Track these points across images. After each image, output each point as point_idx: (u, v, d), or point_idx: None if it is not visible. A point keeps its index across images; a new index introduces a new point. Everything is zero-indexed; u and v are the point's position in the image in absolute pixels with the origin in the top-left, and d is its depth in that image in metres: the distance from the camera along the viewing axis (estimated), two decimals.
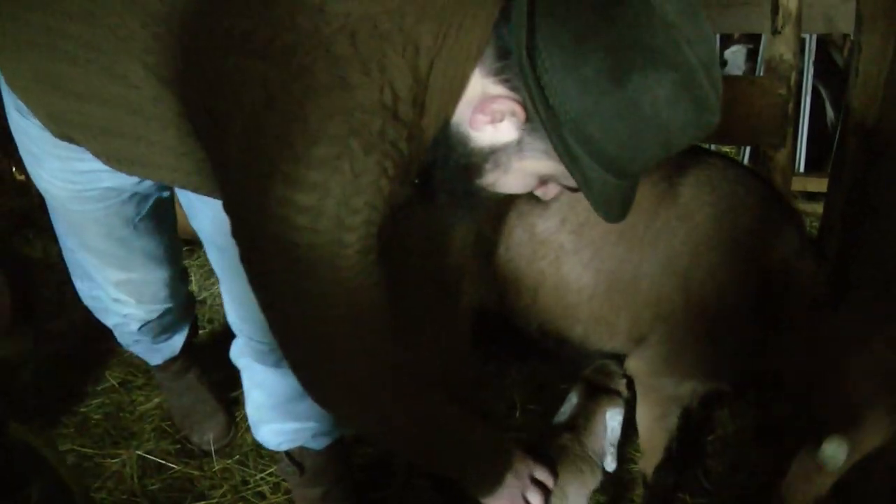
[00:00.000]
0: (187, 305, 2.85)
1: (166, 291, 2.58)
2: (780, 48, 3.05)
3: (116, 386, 3.36)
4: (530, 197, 2.33)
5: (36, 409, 3.24)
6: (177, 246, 2.56)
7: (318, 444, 2.56)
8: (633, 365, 2.41)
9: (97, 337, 2.93)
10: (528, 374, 3.27)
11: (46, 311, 3.79)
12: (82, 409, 3.27)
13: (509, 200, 2.35)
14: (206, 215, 2.13)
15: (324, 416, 2.48)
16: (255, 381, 2.48)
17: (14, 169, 4.14)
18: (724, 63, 4.59)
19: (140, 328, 2.65)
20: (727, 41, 4.78)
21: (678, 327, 2.29)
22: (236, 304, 2.31)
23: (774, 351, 2.26)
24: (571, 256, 2.34)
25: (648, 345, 2.36)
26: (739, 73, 4.48)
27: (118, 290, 2.48)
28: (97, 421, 3.22)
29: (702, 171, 2.32)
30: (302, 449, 2.57)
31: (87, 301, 2.61)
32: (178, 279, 2.65)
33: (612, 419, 2.29)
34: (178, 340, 2.90)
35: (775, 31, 3.04)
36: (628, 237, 2.30)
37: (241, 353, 2.45)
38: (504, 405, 3.15)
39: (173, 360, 2.97)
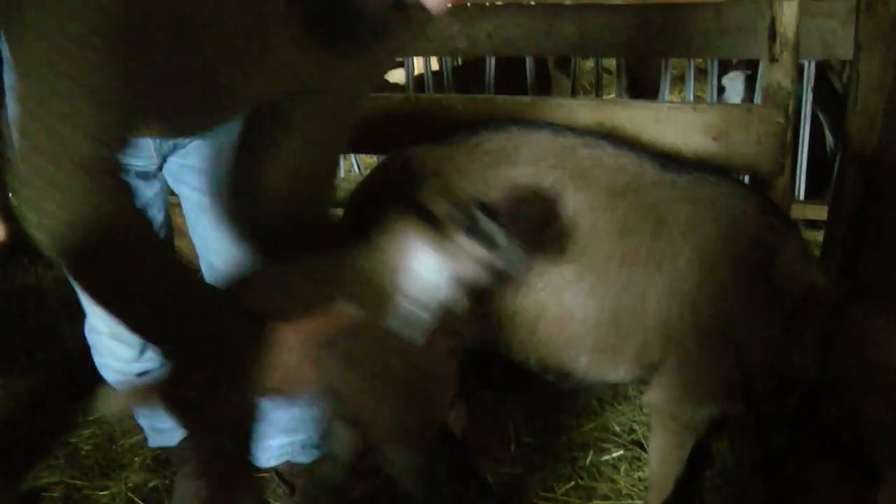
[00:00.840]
0: None
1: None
2: (777, 76, 3.03)
3: (107, 416, 3.32)
4: (522, 222, 2.33)
5: (26, 438, 3.20)
6: None
7: (308, 456, 2.54)
8: (651, 396, 2.37)
9: (89, 366, 2.88)
10: (524, 405, 3.23)
11: (39, 339, 3.77)
12: (72, 440, 3.23)
13: None
14: (205, 229, 2.23)
15: (313, 426, 2.50)
16: None
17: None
18: (721, 89, 4.57)
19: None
20: (725, 67, 4.77)
21: (691, 348, 2.27)
22: None
23: (795, 358, 2.24)
24: (573, 285, 2.30)
25: (664, 371, 2.32)
26: (738, 99, 4.46)
27: (98, 318, 2.35)
28: (87, 452, 3.18)
29: (698, 188, 2.32)
30: (291, 466, 2.54)
31: (89, 339, 2.51)
32: None
33: (421, 263, 1.76)
34: (176, 429, 2.60)
35: (773, 59, 3.02)
36: (631, 261, 2.27)
37: None
38: (499, 438, 3.10)
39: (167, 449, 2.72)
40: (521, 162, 2.36)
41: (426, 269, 1.74)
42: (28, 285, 4.21)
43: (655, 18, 3.78)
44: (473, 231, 1.75)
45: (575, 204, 2.30)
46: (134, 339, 2.38)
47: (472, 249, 1.75)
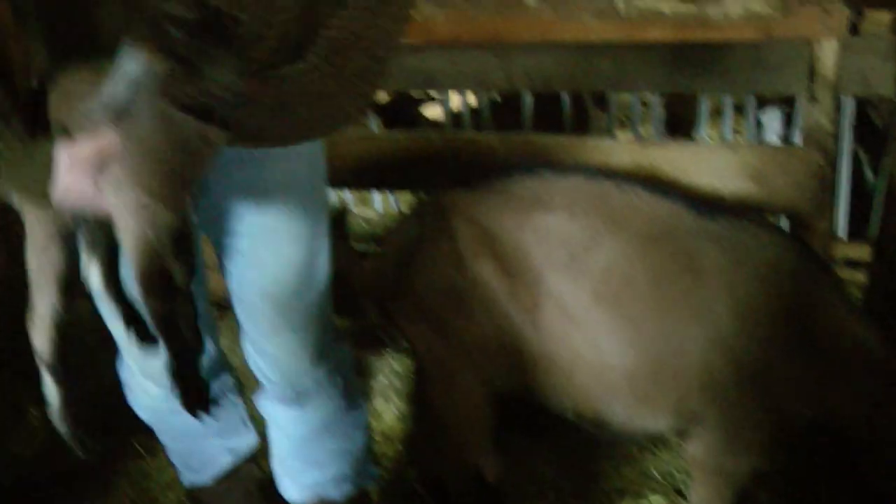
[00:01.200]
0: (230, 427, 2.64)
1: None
2: (817, 116, 3.01)
3: (142, 452, 3.32)
4: (557, 270, 2.33)
5: (60, 472, 3.20)
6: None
7: (341, 491, 2.53)
8: (692, 448, 2.34)
9: (125, 400, 2.87)
10: (561, 450, 3.20)
11: (75, 371, 3.76)
12: (106, 475, 3.22)
13: (534, 277, 2.32)
14: (240, 270, 2.16)
15: (345, 459, 2.48)
16: (277, 424, 2.49)
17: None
18: (759, 126, 4.54)
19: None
20: (762, 102, 4.73)
21: (732, 402, 2.24)
22: (261, 354, 2.31)
23: (840, 414, 2.20)
24: (609, 333, 2.28)
25: (705, 424, 2.29)
26: (775, 136, 4.42)
27: (130, 357, 2.34)
28: (122, 488, 3.17)
29: (736, 235, 2.29)
30: (324, 502, 2.54)
31: (122, 376, 2.52)
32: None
33: (118, 67, 1.45)
34: (208, 467, 2.66)
35: (812, 99, 3.00)
36: (668, 310, 2.25)
37: (265, 398, 2.45)
38: (535, 484, 3.05)
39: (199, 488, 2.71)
40: (554, 208, 2.35)
41: (116, 72, 1.47)
42: None
43: (694, 56, 3.75)
44: (168, 47, 1.46)
45: (610, 251, 2.28)
46: (165, 379, 2.38)
47: (169, 67, 1.47)
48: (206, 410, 1.59)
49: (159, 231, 1.48)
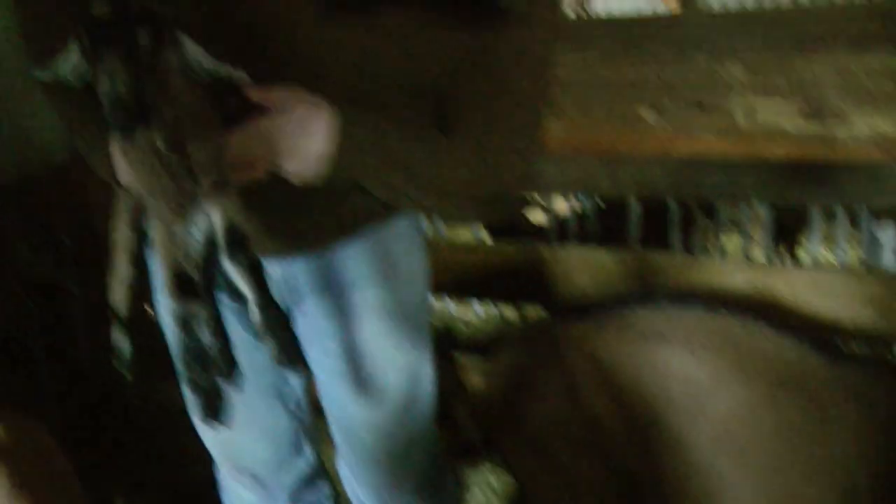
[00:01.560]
0: None
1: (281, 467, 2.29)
2: None
3: None
4: (676, 411, 2.24)
5: None
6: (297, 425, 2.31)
7: None
8: None
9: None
10: None
11: (170, 463, 3.76)
12: None
13: (651, 417, 2.23)
14: (338, 392, 2.07)
15: None
16: None
17: (147, 308, 4.20)
18: (875, 243, 4.38)
19: None
20: (877, 217, 4.58)
21: None
22: (359, 481, 2.24)
23: None
24: (730, 483, 2.17)
25: None
26: (892, 253, 4.27)
27: (214, 447, 2.26)
28: None
29: (865, 382, 2.17)
30: None
31: (217, 476, 2.45)
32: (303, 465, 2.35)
33: None
34: None
35: None
36: (797, 463, 2.13)
37: None
38: None
39: None
40: (675, 344, 2.27)
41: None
42: (160, 405, 4.23)
43: (809, 170, 3.67)
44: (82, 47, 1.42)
45: (733, 395, 2.19)
46: (255, 485, 2.31)
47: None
48: (216, 417, 1.56)
49: (172, 233, 1.49)
